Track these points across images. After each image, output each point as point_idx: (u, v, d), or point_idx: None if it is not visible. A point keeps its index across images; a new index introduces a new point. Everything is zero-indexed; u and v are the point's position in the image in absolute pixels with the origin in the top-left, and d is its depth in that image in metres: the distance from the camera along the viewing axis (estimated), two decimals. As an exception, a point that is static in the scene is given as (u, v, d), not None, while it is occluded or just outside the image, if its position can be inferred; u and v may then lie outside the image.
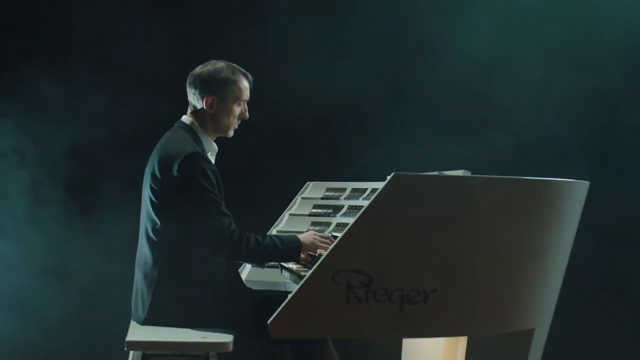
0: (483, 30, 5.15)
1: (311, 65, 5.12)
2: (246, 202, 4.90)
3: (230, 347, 3.34)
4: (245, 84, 3.69)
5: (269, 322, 2.92)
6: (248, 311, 3.49)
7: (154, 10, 5.08)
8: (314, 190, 4.65)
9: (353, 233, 2.89)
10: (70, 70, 5.01)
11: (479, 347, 3.35)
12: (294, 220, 4.50)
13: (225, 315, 3.52)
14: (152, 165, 3.55)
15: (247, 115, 3.73)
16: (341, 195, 4.45)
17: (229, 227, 3.47)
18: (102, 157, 5.04)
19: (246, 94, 3.71)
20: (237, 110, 3.68)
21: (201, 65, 3.69)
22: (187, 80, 3.68)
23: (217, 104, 3.64)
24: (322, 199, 4.54)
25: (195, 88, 3.64)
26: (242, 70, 3.71)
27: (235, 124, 3.71)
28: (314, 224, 4.37)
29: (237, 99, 3.67)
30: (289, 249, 3.61)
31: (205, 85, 3.63)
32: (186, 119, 3.69)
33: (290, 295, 2.92)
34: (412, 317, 2.95)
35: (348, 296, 2.91)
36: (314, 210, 4.48)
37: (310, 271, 2.93)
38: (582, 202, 3.45)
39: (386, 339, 4.15)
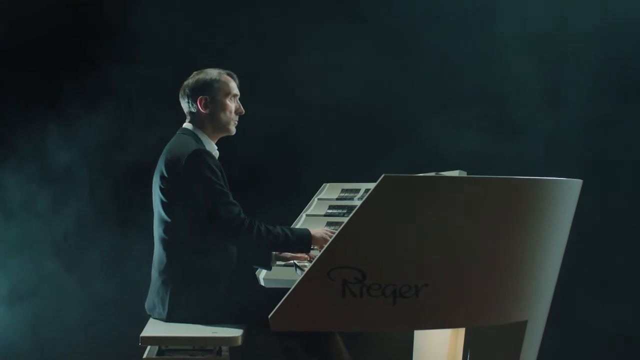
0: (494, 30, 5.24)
1: (330, 66, 5.21)
2: (265, 202, 5.04)
3: (240, 342, 3.44)
4: (231, 81, 3.83)
5: (269, 316, 3.10)
6: (260, 307, 3.50)
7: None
8: (329, 191, 4.73)
9: (346, 231, 3.04)
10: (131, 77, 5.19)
11: (476, 337, 3.47)
12: (311, 221, 4.56)
13: (238, 311, 3.62)
14: (159, 169, 3.70)
15: (243, 110, 3.86)
16: (355, 196, 4.55)
17: (239, 216, 3.58)
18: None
19: (235, 89, 3.83)
20: (231, 105, 3.82)
21: (188, 78, 3.84)
22: (179, 94, 3.84)
23: (209, 102, 3.78)
24: (337, 199, 4.62)
25: (187, 96, 3.80)
26: (227, 70, 3.85)
27: (233, 119, 3.84)
28: (329, 223, 4.43)
29: (227, 93, 3.80)
30: (300, 239, 3.70)
31: (194, 90, 3.79)
32: (187, 125, 3.83)
33: (289, 291, 3.08)
34: (405, 310, 3.09)
35: (344, 291, 3.06)
36: (329, 211, 4.55)
37: (308, 267, 3.09)
38: (576, 200, 3.55)
39: (381, 330, 4.28)
